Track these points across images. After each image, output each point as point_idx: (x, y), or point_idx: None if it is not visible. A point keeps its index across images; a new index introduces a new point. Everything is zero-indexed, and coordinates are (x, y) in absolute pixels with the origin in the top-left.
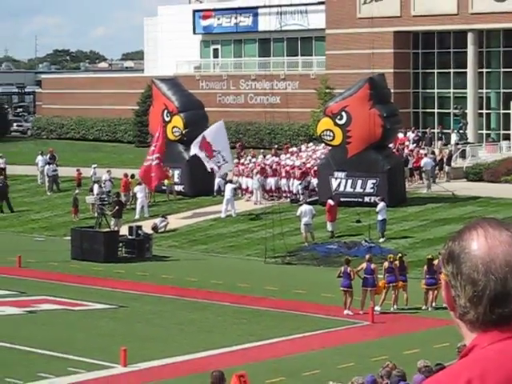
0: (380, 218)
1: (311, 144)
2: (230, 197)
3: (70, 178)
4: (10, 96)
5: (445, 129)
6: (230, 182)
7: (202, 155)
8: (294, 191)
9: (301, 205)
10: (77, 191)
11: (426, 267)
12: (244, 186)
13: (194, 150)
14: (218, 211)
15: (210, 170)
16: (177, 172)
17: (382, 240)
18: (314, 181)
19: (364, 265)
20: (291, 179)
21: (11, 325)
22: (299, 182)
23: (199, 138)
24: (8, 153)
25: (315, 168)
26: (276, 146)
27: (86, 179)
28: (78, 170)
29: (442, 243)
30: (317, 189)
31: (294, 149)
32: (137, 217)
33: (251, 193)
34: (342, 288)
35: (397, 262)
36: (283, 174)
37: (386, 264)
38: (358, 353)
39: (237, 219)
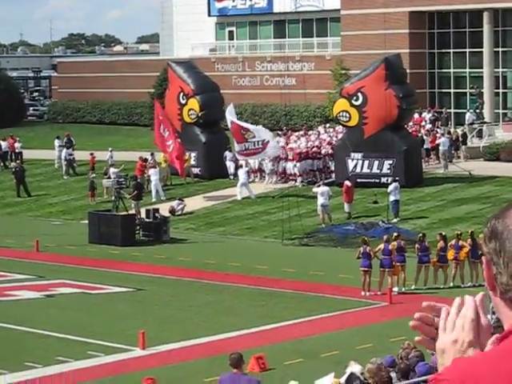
0: (392, 198)
1: (327, 126)
2: (245, 181)
3: (86, 162)
4: (26, 80)
5: (459, 108)
6: (241, 166)
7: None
8: (293, 172)
9: (318, 186)
10: (93, 175)
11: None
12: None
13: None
14: (234, 194)
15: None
16: (193, 154)
17: (395, 220)
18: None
19: (382, 246)
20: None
21: (30, 309)
22: (295, 164)
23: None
24: (24, 137)
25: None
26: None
27: (102, 163)
28: (91, 154)
29: (459, 223)
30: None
31: (301, 132)
32: (153, 200)
33: (256, 172)
34: (361, 268)
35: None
36: (290, 157)
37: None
38: (376, 333)
39: (254, 201)
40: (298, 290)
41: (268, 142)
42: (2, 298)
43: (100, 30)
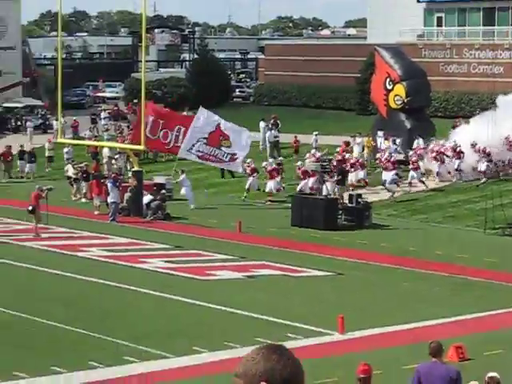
0: None
1: None
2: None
3: (290, 146)
4: (233, 62)
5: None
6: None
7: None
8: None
9: None
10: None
11: None
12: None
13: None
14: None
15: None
16: (398, 141)
17: None
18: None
19: None
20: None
21: (231, 289)
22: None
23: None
24: (230, 118)
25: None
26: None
27: (305, 146)
28: (295, 137)
29: None
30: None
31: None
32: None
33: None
34: None
35: None
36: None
37: None
38: None
39: (456, 188)
40: (501, 281)
41: (237, 158)
42: (206, 278)
43: (308, 13)
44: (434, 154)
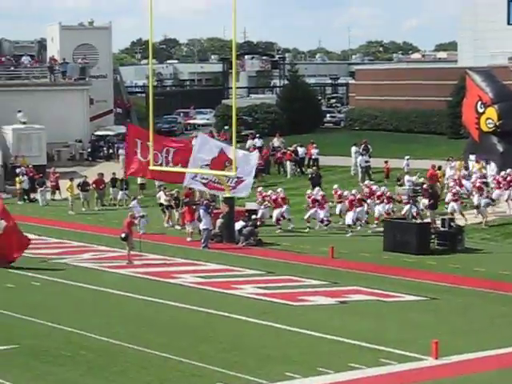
0: None
1: None
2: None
3: (382, 170)
4: (324, 87)
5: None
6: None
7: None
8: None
9: None
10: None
11: None
12: None
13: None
14: None
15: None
16: (493, 164)
17: None
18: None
19: None
20: None
21: (323, 315)
22: None
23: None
24: (321, 143)
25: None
26: None
27: (396, 170)
28: (385, 162)
29: None
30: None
31: None
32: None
33: None
34: None
35: None
36: None
37: None
38: None
39: None
40: None
41: (243, 180)
42: (299, 303)
43: (398, 37)
44: (477, 184)
